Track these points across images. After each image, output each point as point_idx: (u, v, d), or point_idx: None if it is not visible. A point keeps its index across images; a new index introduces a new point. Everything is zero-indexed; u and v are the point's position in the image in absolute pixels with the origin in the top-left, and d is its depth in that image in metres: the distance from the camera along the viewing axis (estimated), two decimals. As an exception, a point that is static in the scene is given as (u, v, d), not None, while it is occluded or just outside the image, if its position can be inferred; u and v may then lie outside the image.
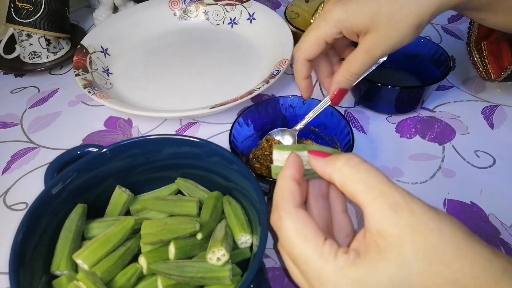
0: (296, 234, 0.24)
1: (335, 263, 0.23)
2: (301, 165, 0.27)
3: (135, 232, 0.36)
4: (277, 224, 0.25)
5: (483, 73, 0.47)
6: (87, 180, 0.37)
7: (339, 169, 0.25)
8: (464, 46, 0.65)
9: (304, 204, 0.29)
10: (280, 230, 0.25)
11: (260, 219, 0.32)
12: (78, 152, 0.38)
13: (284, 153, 0.29)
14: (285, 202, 0.25)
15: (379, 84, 0.49)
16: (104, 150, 0.37)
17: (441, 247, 0.22)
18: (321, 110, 0.44)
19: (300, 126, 0.45)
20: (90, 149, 0.38)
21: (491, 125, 0.52)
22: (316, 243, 0.23)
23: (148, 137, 0.37)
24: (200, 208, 0.38)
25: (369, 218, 0.23)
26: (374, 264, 0.22)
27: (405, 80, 0.56)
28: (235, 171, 0.36)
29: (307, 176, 0.29)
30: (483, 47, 0.47)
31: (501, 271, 0.21)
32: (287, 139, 0.47)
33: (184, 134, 0.53)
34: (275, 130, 0.47)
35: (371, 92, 0.52)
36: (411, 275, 0.21)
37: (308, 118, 0.45)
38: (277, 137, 0.47)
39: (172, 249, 0.34)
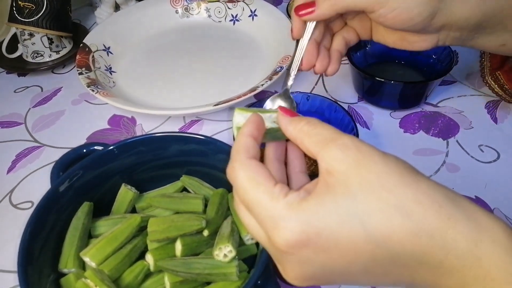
0: (247, 180, 0.25)
1: (285, 200, 0.24)
2: (260, 123, 0.28)
3: (142, 229, 0.36)
4: (231, 175, 0.26)
5: (507, 97, 0.50)
6: (93, 178, 0.37)
7: (300, 127, 0.27)
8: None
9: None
10: (234, 180, 0.26)
11: (267, 215, 0.32)
12: (84, 151, 0.39)
13: (247, 115, 0.29)
14: (239, 154, 0.26)
15: (383, 80, 0.49)
16: (111, 147, 0.37)
17: (384, 175, 0.23)
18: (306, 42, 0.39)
19: (290, 82, 0.40)
20: (95, 147, 0.38)
21: (495, 120, 0.52)
22: (266, 185, 0.24)
23: (155, 135, 0.38)
24: (205, 205, 0.39)
25: (320, 162, 0.24)
26: (322, 197, 0.23)
27: (408, 76, 0.56)
28: (240, 168, 0.36)
29: (270, 135, 0.29)
30: (499, 77, 0.50)
31: (444, 197, 0.22)
32: (279, 103, 0.40)
33: (188, 131, 0.53)
34: (267, 102, 0.40)
35: (374, 87, 0.52)
36: (358, 204, 0.22)
37: (294, 66, 0.39)
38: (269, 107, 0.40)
39: (178, 246, 0.34)
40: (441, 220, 0.22)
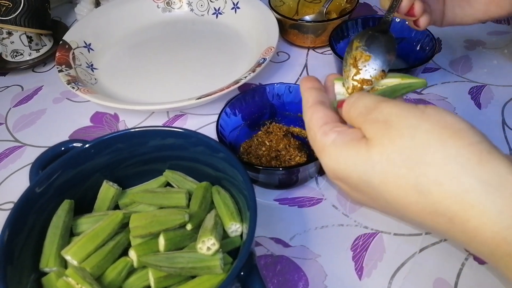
0: (308, 122, 0.29)
1: (327, 138, 0.27)
2: (309, 79, 0.31)
3: (124, 226, 0.36)
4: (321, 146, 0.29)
5: None
6: (73, 176, 0.37)
7: (346, 111, 0.29)
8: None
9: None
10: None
11: (249, 205, 0.32)
12: (63, 148, 0.38)
13: (342, 85, 0.32)
14: (304, 105, 0.30)
15: (366, 68, 0.48)
16: (87, 146, 0.36)
17: (407, 151, 0.23)
18: None
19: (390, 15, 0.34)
20: (74, 144, 0.38)
21: (479, 105, 0.52)
22: (317, 126, 0.28)
23: (131, 130, 0.37)
24: (189, 199, 0.38)
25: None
26: (347, 151, 0.25)
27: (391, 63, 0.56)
28: (222, 160, 0.36)
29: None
30: None
31: (477, 181, 0.21)
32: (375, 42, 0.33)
33: (172, 126, 0.52)
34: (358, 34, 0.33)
35: (358, 76, 0.52)
36: (374, 173, 0.24)
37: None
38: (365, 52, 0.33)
39: (162, 241, 0.34)
40: (462, 207, 0.21)
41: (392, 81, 0.32)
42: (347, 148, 0.25)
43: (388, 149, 0.23)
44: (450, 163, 0.21)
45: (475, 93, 0.53)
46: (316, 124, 0.28)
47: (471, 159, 0.21)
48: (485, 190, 0.20)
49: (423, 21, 0.40)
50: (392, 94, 0.31)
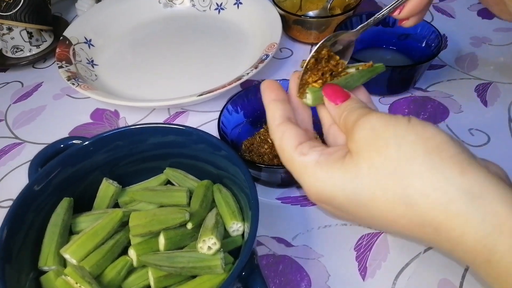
0: (278, 146, 0.28)
1: (306, 158, 0.26)
2: (274, 86, 0.30)
3: (124, 224, 0.35)
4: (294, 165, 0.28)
5: None
6: (72, 174, 0.36)
7: (338, 113, 0.28)
8: (455, 23, 0.64)
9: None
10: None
11: (251, 204, 0.31)
12: (62, 146, 0.37)
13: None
14: (270, 124, 0.29)
15: (370, 65, 0.48)
16: (86, 143, 0.35)
17: (393, 163, 0.23)
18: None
19: (361, 27, 0.34)
20: (74, 141, 0.37)
21: (485, 103, 0.51)
22: (290, 147, 0.27)
23: (131, 127, 0.36)
24: (190, 198, 0.38)
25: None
26: (334, 170, 0.24)
27: (396, 60, 0.55)
28: (223, 158, 0.35)
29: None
30: None
31: (461, 191, 0.21)
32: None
33: (173, 123, 0.52)
34: (329, 37, 0.32)
35: (362, 73, 0.51)
36: (363, 187, 0.23)
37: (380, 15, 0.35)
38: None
39: (162, 240, 0.33)
40: (447, 216, 0.21)
41: (353, 70, 0.32)
42: (334, 168, 0.25)
43: (376, 162, 0.23)
44: (435, 174, 0.22)
45: (482, 90, 0.53)
46: (290, 145, 0.27)
47: (454, 170, 0.22)
48: (468, 200, 0.21)
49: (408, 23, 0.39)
50: (360, 78, 0.31)
